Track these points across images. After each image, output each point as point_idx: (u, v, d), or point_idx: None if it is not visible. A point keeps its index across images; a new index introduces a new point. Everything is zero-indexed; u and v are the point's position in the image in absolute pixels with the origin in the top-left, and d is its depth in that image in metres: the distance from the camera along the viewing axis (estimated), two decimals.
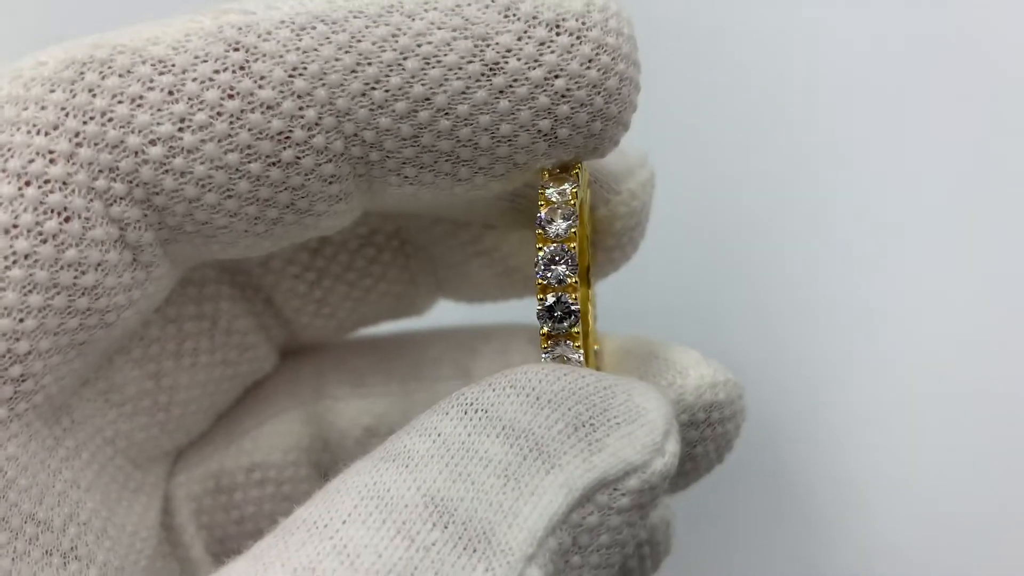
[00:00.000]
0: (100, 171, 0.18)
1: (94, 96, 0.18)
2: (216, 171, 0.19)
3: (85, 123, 0.18)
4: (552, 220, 0.21)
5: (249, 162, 0.19)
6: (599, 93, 0.19)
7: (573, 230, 0.20)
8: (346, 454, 0.26)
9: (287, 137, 0.19)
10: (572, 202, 0.21)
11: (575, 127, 0.20)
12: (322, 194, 0.20)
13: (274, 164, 0.19)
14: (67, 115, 0.18)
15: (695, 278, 0.31)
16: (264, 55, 0.18)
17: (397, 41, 0.19)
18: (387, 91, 0.19)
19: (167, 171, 0.18)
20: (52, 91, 0.18)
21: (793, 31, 0.32)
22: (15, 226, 0.18)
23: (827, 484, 0.32)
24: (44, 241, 0.18)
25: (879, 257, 0.32)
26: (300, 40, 0.18)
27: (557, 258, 0.20)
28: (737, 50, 0.33)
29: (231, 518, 0.25)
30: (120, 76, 0.18)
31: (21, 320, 0.18)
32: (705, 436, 0.23)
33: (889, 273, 0.32)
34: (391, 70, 0.19)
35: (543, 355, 0.21)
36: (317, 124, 0.19)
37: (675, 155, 0.29)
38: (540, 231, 0.21)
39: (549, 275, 0.20)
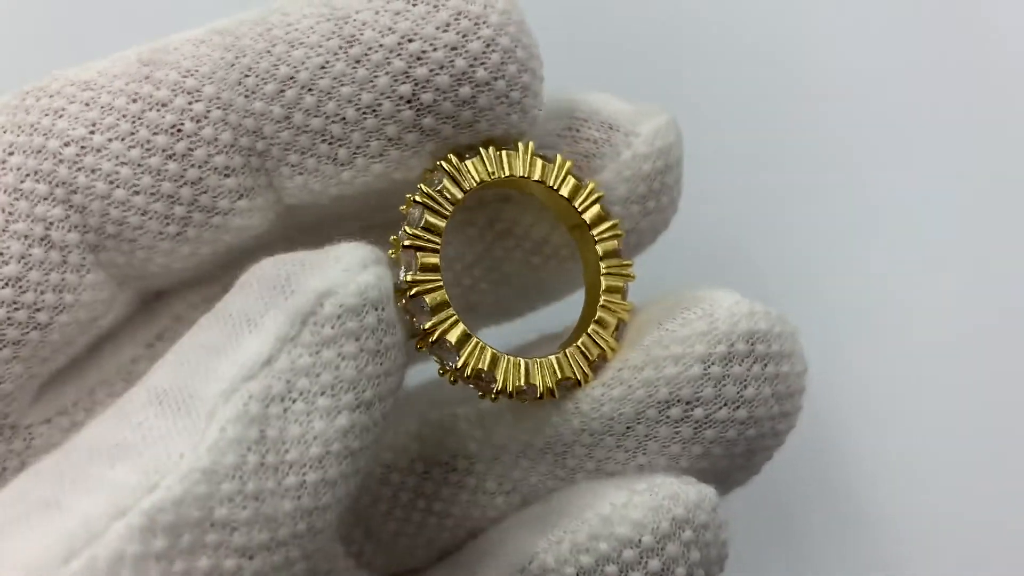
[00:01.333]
0: (27, 175, 0.21)
1: (28, 113, 0.21)
2: (122, 167, 0.21)
3: (17, 136, 0.21)
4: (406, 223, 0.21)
5: (149, 156, 0.21)
6: (460, 55, 0.20)
7: (411, 231, 0.21)
8: None
9: (179, 130, 0.21)
10: (415, 198, 0.21)
11: (439, 91, 0.21)
12: (221, 188, 0.22)
13: (170, 157, 0.21)
14: (3, 131, 0.21)
15: (696, 277, 0.31)
16: (165, 64, 0.22)
17: (270, 32, 0.21)
18: (258, 76, 0.21)
19: (80, 168, 0.21)
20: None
21: (795, 32, 0.32)
22: None
23: (829, 484, 0.32)
24: None
25: (882, 257, 0.31)
26: (197, 49, 0.22)
27: (405, 262, 0.21)
28: (735, 51, 0.33)
29: None
30: (50, 96, 0.22)
31: None
32: (754, 374, 0.21)
33: (889, 275, 0.31)
34: (261, 57, 0.21)
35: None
36: (205, 116, 0.21)
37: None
38: (393, 236, 0.21)
39: (398, 279, 0.21)
